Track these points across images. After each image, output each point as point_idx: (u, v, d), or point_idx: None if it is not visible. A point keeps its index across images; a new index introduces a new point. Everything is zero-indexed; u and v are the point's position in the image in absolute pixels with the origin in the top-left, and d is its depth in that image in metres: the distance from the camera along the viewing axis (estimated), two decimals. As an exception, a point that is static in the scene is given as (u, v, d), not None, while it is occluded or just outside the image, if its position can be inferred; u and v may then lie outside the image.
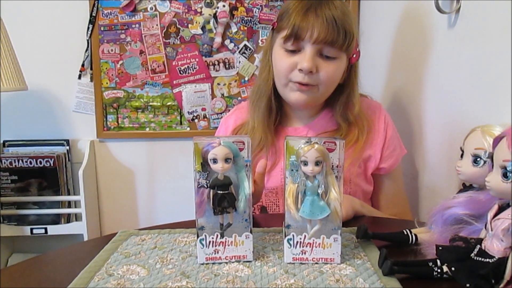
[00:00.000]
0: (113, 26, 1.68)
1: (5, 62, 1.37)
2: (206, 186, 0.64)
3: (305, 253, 0.65)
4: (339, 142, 0.63)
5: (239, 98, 1.73)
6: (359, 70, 1.02)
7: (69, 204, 1.74)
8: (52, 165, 1.65)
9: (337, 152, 0.63)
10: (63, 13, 1.67)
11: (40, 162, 1.65)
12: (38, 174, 1.66)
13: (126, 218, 1.83)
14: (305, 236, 0.65)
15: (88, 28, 1.68)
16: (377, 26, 1.45)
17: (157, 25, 1.68)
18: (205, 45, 1.70)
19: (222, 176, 0.64)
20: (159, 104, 1.73)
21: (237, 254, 0.66)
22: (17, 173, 1.65)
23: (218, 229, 0.65)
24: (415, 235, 0.69)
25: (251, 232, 0.66)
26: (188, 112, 1.74)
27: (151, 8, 1.68)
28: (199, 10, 1.67)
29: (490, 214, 0.56)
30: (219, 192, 0.64)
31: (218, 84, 1.73)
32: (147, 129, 1.75)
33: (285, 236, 0.65)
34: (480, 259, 0.55)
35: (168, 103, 1.74)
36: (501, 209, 0.55)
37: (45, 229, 1.64)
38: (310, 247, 0.65)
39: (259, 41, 1.70)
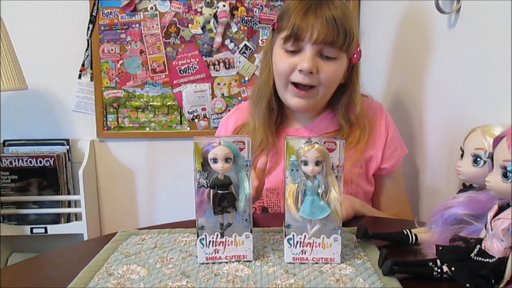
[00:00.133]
0: (113, 26, 1.68)
1: (5, 62, 1.37)
2: (206, 186, 0.64)
3: (305, 253, 0.65)
4: (339, 142, 0.63)
5: (239, 98, 1.73)
6: (360, 70, 1.02)
7: (69, 204, 1.73)
8: (52, 164, 1.65)
9: (337, 152, 0.63)
10: (63, 13, 1.67)
11: (40, 162, 1.65)
12: (38, 173, 1.66)
13: (126, 217, 1.83)
14: (305, 236, 0.65)
15: (88, 27, 1.68)
16: (377, 26, 1.46)
17: (157, 24, 1.68)
18: (205, 45, 1.70)
19: (222, 176, 0.64)
20: (159, 104, 1.73)
21: (237, 254, 0.66)
22: (17, 173, 1.66)
23: (218, 228, 0.65)
24: (415, 235, 0.69)
25: (251, 232, 0.66)
26: (188, 112, 1.74)
27: (151, 8, 1.67)
28: (199, 10, 1.67)
29: (490, 214, 0.56)
30: (219, 192, 0.64)
31: (218, 84, 1.73)
32: (147, 128, 1.75)
33: (285, 236, 0.65)
34: (480, 259, 0.55)
35: (168, 103, 1.74)
36: (501, 209, 0.55)
37: (45, 228, 1.64)
38: (310, 247, 0.65)
39: (259, 41, 1.70)
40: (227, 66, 1.72)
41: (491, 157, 0.56)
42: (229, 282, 0.60)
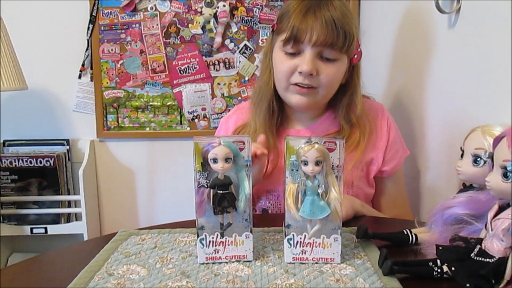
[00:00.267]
0: (113, 26, 1.68)
1: (5, 62, 1.37)
2: (206, 186, 0.64)
3: (305, 253, 0.65)
4: (339, 142, 0.63)
5: (239, 98, 1.73)
6: (361, 70, 1.02)
7: (69, 204, 1.74)
8: (52, 164, 1.65)
9: (337, 152, 0.63)
10: (63, 13, 1.67)
11: (40, 162, 1.65)
12: (38, 173, 1.66)
13: (126, 218, 1.83)
14: (305, 236, 0.65)
15: (88, 27, 1.68)
16: (377, 26, 1.46)
17: (157, 24, 1.68)
18: (205, 45, 1.70)
19: (222, 176, 0.64)
20: (159, 104, 1.73)
21: (237, 254, 0.66)
22: (17, 173, 1.66)
23: (218, 228, 0.65)
24: (415, 235, 0.69)
25: (251, 231, 0.66)
26: (188, 112, 1.74)
27: (151, 8, 1.68)
28: (199, 10, 1.67)
29: (490, 214, 0.56)
30: (219, 192, 0.64)
31: (218, 84, 1.73)
32: (147, 128, 1.75)
33: (285, 236, 0.65)
34: (480, 259, 0.55)
35: (168, 103, 1.74)
36: (501, 209, 0.55)
37: (45, 228, 1.64)
38: (310, 247, 0.65)
39: (259, 41, 1.70)
40: (227, 66, 1.72)
41: (491, 157, 0.56)
42: (229, 282, 0.60)
